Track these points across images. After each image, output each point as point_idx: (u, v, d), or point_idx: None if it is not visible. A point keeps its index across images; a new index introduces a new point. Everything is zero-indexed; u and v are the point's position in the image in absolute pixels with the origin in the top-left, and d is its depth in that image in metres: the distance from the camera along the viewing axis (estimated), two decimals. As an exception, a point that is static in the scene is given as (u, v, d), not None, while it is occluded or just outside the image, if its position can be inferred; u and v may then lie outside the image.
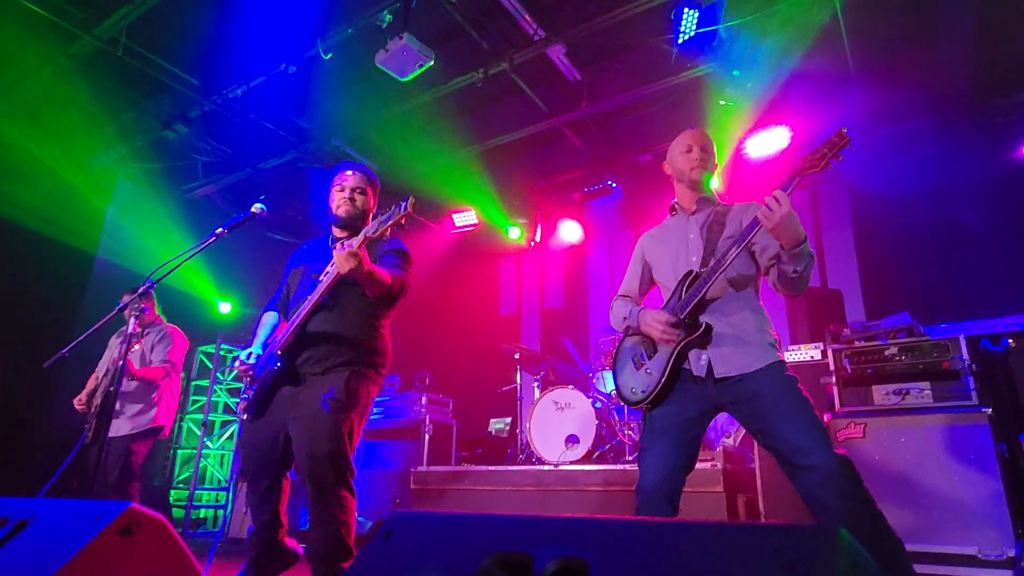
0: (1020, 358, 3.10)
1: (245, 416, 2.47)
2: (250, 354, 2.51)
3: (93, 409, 4.03)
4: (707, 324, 2.07)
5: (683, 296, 2.14)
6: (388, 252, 2.60)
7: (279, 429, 2.39)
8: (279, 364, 2.40)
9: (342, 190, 2.65)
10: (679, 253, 2.29)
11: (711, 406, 2.08)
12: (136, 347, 4.23)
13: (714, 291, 2.11)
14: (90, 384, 4.24)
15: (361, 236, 2.25)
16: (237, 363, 2.53)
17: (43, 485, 3.30)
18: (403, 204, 2.25)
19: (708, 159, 2.34)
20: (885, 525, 1.73)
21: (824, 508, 1.76)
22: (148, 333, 4.35)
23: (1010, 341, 3.14)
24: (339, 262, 2.19)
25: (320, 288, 2.41)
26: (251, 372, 2.49)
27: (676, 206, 2.42)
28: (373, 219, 2.40)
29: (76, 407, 4.09)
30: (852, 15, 4.45)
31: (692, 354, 2.11)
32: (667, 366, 2.09)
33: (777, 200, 1.88)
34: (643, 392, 2.15)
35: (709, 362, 2.07)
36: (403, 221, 2.26)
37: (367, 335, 2.51)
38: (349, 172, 2.70)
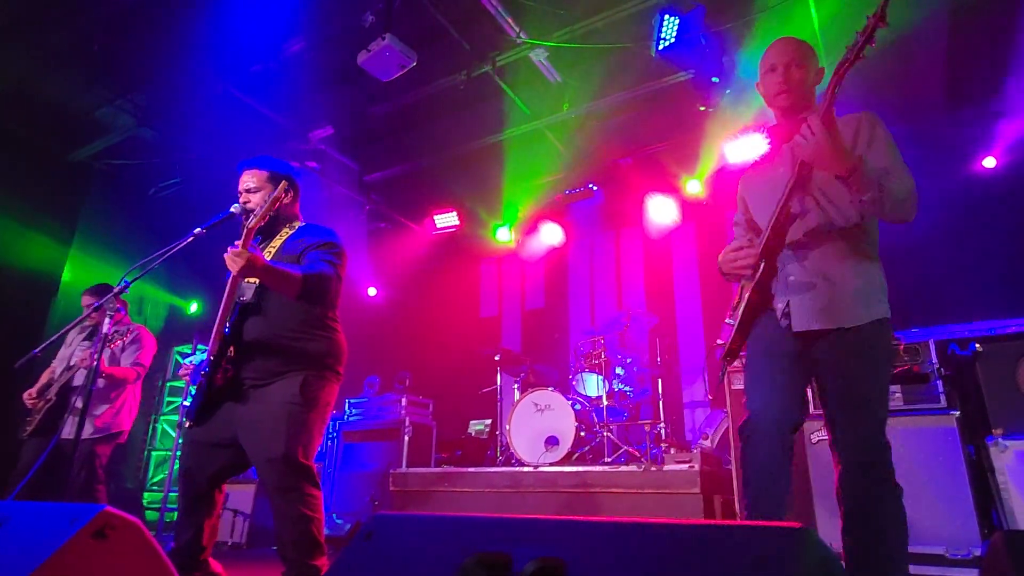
0: (987, 362, 3.18)
1: (187, 423, 2.33)
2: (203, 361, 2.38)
3: (44, 404, 3.86)
4: (766, 267, 1.86)
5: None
6: (314, 247, 2.38)
7: (220, 439, 2.27)
8: (206, 371, 2.29)
9: (241, 195, 2.48)
10: (769, 191, 1.96)
11: (796, 353, 1.86)
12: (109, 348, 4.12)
13: (805, 232, 1.84)
14: (43, 378, 4.03)
15: (243, 233, 2.13)
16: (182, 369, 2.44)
17: (8, 488, 3.22)
18: (277, 187, 2.29)
19: (795, 76, 1.96)
20: (900, 526, 1.70)
21: (846, 496, 1.74)
22: (121, 334, 4.24)
23: (977, 346, 3.23)
24: (228, 264, 2.08)
25: (226, 293, 2.27)
26: (189, 376, 2.38)
27: (770, 131, 2.13)
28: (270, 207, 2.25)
29: (26, 402, 3.87)
30: (829, 26, 4.55)
31: (777, 301, 1.89)
32: (739, 308, 1.98)
33: (810, 129, 1.64)
34: (732, 321, 2.01)
35: (789, 311, 1.84)
36: (280, 204, 2.27)
37: (308, 337, 2.34)
38: (243, 174, 2.51)
